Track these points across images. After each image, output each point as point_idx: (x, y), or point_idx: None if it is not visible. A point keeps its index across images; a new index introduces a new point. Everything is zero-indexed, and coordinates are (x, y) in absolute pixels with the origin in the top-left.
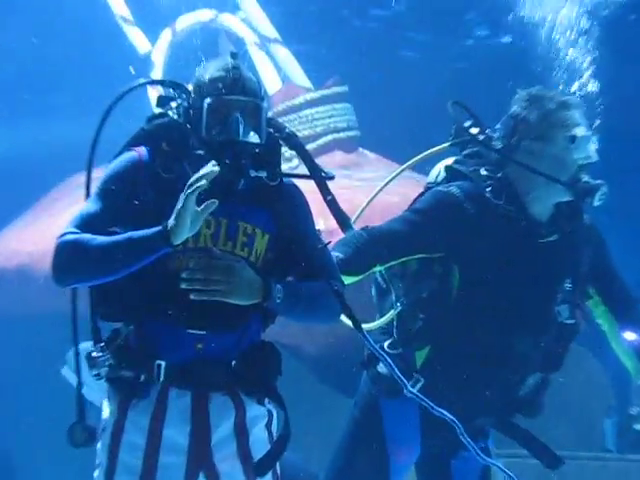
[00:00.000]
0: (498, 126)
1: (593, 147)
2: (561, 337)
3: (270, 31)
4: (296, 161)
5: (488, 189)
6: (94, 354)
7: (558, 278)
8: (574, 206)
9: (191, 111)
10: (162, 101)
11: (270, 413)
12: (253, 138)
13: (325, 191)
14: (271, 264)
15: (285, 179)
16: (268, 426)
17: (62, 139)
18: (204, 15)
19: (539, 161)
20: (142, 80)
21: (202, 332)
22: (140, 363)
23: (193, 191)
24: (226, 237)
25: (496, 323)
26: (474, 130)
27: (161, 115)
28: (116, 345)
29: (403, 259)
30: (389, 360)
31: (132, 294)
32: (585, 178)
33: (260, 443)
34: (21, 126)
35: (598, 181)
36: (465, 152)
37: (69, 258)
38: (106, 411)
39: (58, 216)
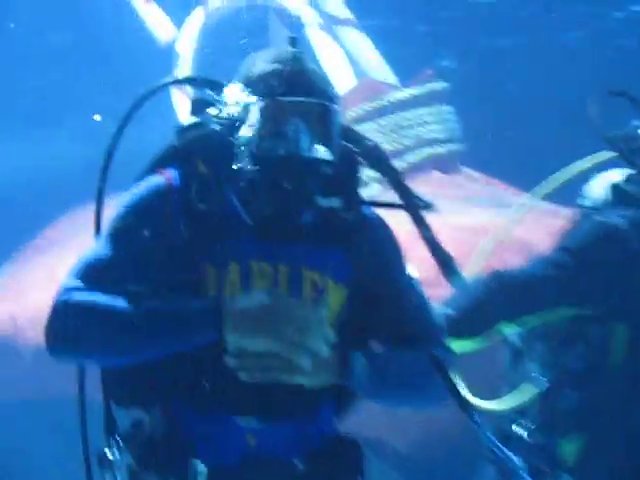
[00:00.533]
0: None
1: None
2: None
3: (339, 8)
4: (377, 186)
5: None
6: (108, 454)
7: None
8: None
9: (237, 119)
10: (197, 106)
11: None
12: (321, 153)
13: (422, 226)
14: (348, 327)
15: (366, 210)
16: None
17: (60, 160)
18: None
19: None
20: (168, 78)
21: (255, 422)
22: (170, 465)
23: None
24: (287, 291)
25: None
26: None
27: (196, 125)
28: (138, 440)
29: (546, 317)
30: (514, 459)
31: (158, 369)
32: None
33: None
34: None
35: None
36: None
37: (74, 327)
38: None
39: (54, 266)
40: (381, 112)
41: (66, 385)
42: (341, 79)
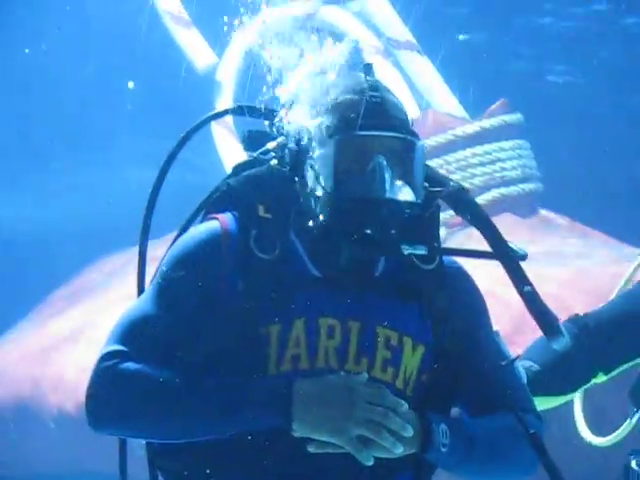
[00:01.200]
0: None
1: None
2: None
3: (401, 31)
4: (443, 230)
5: None
6: None
7: None
8: None
9: (302, 155)
10: (253, 140)
11: None
12: (407, 195)
13: (518, 278)
14: (427, 392)
15: (446, 260)
16: None
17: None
18: (299, 8)
19: None
20: (221, 109)
21: None
22: None
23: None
24: (358, 351)
25: None
26: None
27: (253, 162)
28: None
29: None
30: None
31: (212, 444)
32: None
33: None
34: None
35: None
36: None
37: (121, 400)
38: None
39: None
40: (448, 148)
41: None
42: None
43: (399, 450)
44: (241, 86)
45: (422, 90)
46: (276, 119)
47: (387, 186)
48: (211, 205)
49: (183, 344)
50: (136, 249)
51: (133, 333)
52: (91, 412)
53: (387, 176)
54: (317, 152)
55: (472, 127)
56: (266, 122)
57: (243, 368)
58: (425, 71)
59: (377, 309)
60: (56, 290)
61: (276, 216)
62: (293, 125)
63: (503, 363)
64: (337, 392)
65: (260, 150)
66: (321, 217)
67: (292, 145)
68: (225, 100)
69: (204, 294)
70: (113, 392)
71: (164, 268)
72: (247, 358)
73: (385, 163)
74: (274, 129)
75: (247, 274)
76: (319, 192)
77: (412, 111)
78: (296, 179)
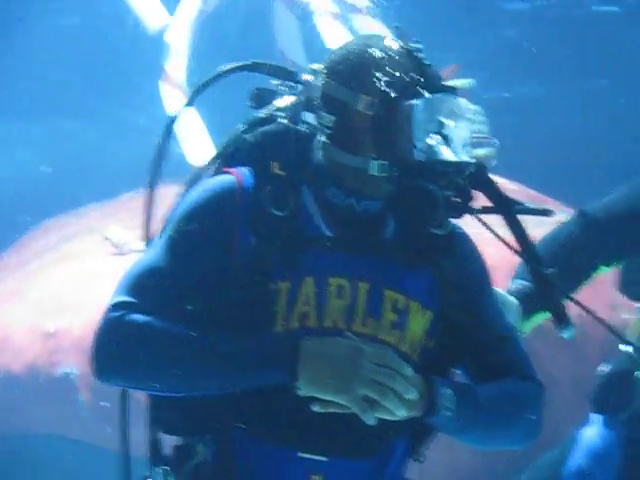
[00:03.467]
0: None
1: None
2: None
3: None
4: None
5: None
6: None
7: None
8: None
9: (329, 117)
10: (261, 98)
11: None
12: (464, 156)
13: (535, 259)
14: (433, 357)
15: (457, 228)
16: None
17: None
18: None
19: None
20: (232, 65)
21: (322, 458)
22: None
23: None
24: (365, 313)
25: None
26: None
27: (269, 120)
28: (187, 470)
29: None
30: None
31: (214, 395)
32: None
33: None
34: None
35: None
36: None
37: (129, 351)
38: None
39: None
40: None
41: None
42: None
43: (402, 412)
44: (194, 47)
45: None
46: (298, 78)
47: (457, 148)
48: (225, 159)
49: (193, 297)
50: (67, 216)
51: (142, 284)
52: (97, 361)
53: (456, 138)
54: (363, 118)
55: None
56: (275, 82)
57: (251, 323)
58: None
59: (386, 272)
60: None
61: (290, 174)
62: (320, 86)
63: (505, 329)
64: (344, 352)
65: (269, 108)
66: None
67: (319, 104)
68: (175, 62)
69: (217, 248)
70: (120, 342)
71: (176, 217)
72: (255, 314)
73: (454, 125)
74: (285, 89)
75: (260, 230)
76: (361, 158)
77: None
78: (321, 139)
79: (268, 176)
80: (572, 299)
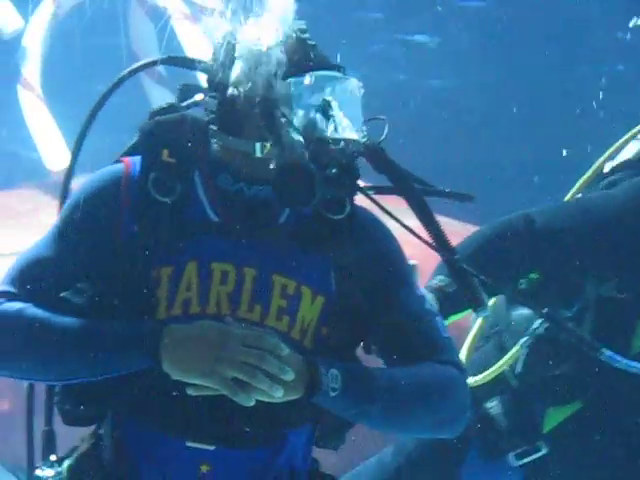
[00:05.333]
0: None
1: None
2: None
3: None
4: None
5: None
6: (41, 471)
7: None
8: None
9: (213, 101)
10: (186, 93)
11: None
12: (348, 133)
13: (445, 246)
14: (329, 344)
15: (360, 211)
16: None
17: None
18: None
19: None
20: (147, 61)
21: (209, 447)
22: None
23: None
24: (252, 299)
25: None
26: None
27: (168, 109)
28: (80, 461)
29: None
30: None
31: (104, 383)
32: None
33: None
34: None
35: None
36: None
37: (3, 344)
38: None
39: None
40: None
41: None
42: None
43: (279, 393)
44: (51, 51)
45: None
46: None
47: (340, 125)
48: (129, 150)
49: (73, 285)
50: None
51: (23, 274)
52: None
53: (337, 115)
54: (258, 96)
55: None
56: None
57: (134, 311)
58: None
59: (275, 257)
60: None
61: (180, 161)
62: (214, 71)
63: (420, 313)
64: (209, 334)
65: (188, 102)
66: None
67: (212, 92)
68: (31, 67)
69: (99, 235)
70: None
71: (65, 207)
72: (138, 301)
73: (335, 102)
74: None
75: (142, 216)
76: (245, 140)
77: None
78: (213, 126)
79: (157, 163)
80: (484, 281)
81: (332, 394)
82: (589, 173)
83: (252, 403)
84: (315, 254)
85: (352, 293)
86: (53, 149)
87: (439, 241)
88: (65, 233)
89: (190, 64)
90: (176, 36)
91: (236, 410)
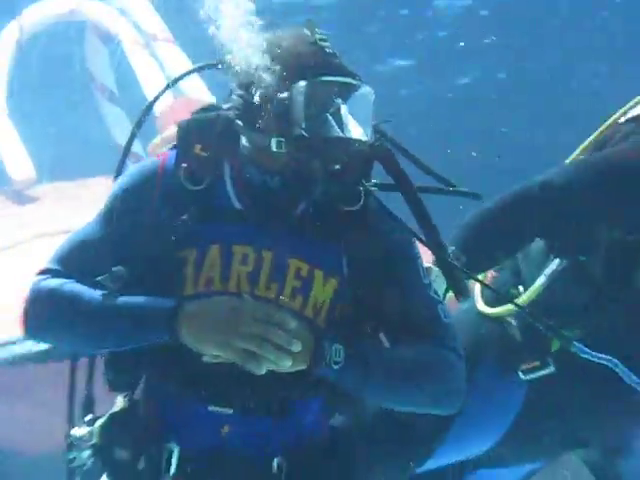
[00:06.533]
0: None
1: None
2: None
3: (158, 26)
4: None
5: None
6: (76, 430)
7: None
8: None
9: (249, 100)
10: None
11: None
12: (363, 135)
13: (436, 240)
14: (344, 323)
15: (375, 204)
16: None
17: None
18: (62, 5)
19: None
20: (194, 66)
21: (228, 411)
22: (144, 445)
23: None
24: (269, 278)
25: None
26: None
27: (208, 109)
28: (108, 416)
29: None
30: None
31: (139, 353)
32: None
33: None
34: None
35: None
36: None
37: (42, 313)
38: None
39: None
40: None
41: None
42: (160, 99)
43: (286, 363)
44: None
45: (179, 80)
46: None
47: (349, 127)
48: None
49: (111, 265)
50: None
51: (67, 253)
52: (24, 322)
53: (345, 117)
54: (276, 96)
55: None
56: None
57: (163, 288)
58: (179, 62)
59: (291, 243)
60: None
61: (211, 154)
62: (240, 73)
63: (424, 300)
64: (223, 309)
65: (228, 104)
66: (284, 155)
67: (239, 91)
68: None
69: (135, 220)
70: (35, 305)
71: (108, 195)
72: (167, 279)
73: (344, 106)
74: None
75: (172, 203)
76: (283, 133)
77: (167, 98)
78: (239, 122)
79: (190, 156)
80: (469, 274)
81: (335, 367)
82: (602, 128)
83: (263, 372)
84: (327, 241)
85: (363, 277)
86: (15, 158)
87: (431, 239)
88: (107, 218)
89: (223, 69)
90: (127, 59)
91: (249, 379)
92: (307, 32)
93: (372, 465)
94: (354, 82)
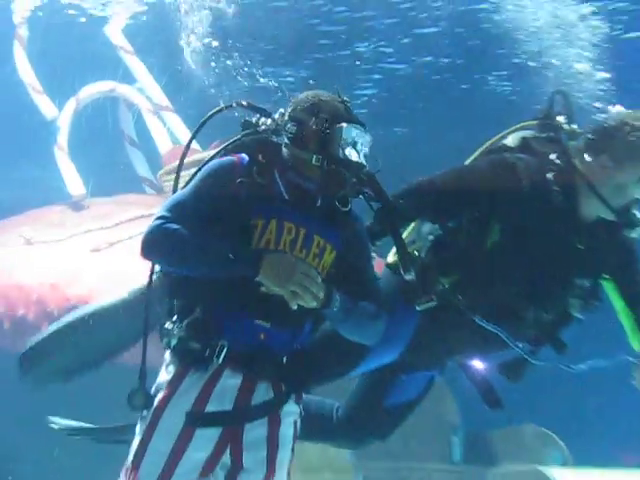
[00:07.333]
0: (585, 126)
1: None
2: (560, 323)
3: (162, 99)
4: None
5: (550, 174)
6: (167, 326)
7: (579, 273)
8: (615, 225)
9: (292, 130)
10: (247, 124)
11: (301, 413)
12: (362, 160)
13: (405, 252)
14: (331, 279)
15: (355, 209)
16: (295, 424)
17: None
18: (105, 86)
19: (605, 179)
20: (226, 105)
21: (268, 324)
22: (208, 339)
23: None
24: (302, 245)
25: (518, 278)
26: (561, 118)
27: (253, 132)
28: (189, 321)
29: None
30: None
31: (210, 282)
32: (634, 211)
33: (285, 438)
34: None
35: None
36: (544, 135)
37: (163, 245)
38: (163, 376)
39: None
40: (186, 167)
41: None
42: (162, 144)
43: (313, 304)
44: (75, 127)
45: (176, 134)
46: (274, 115)
47: (359, 155)
48: (231, 150)
49: (204, 221)
50: None
51: (175, 207)
52: (143, 248)
53: (357, 148)
54: (313, 132)
55: (201, 155)
56: (257, 115)
57: (240, 242)
58: (175, 122)
59: (315, 224)
60: None
61: (267, 161)
62: (286, 115)
63: (372, 277)
64: (287, 263)
65: (256, 127)
66: (317, 163)
67: (279, 124)
68: (62, 137)
69: (219, 196)
70: (156, 238)
71: (202, 172)
72: (243, 236)
73: (358, 140)
74: (259, 120)
75: (248, 189)
76: (320, 151)
77: (167, 145)
78: (284, 144)
79: (255, 160)
80: (413, 258)
81: (334, 309)
82: (480, 150)
83: (295, 307)
84: (333, 226)
85: (346, 254)
86: (73, 181)
87: (399, 248)
88: (198, 190)
89: (262, 111)
90: (144, 120)
91: (285, 307)
92: (334, 94)
93: (322, 368)
94: (364, 130)
